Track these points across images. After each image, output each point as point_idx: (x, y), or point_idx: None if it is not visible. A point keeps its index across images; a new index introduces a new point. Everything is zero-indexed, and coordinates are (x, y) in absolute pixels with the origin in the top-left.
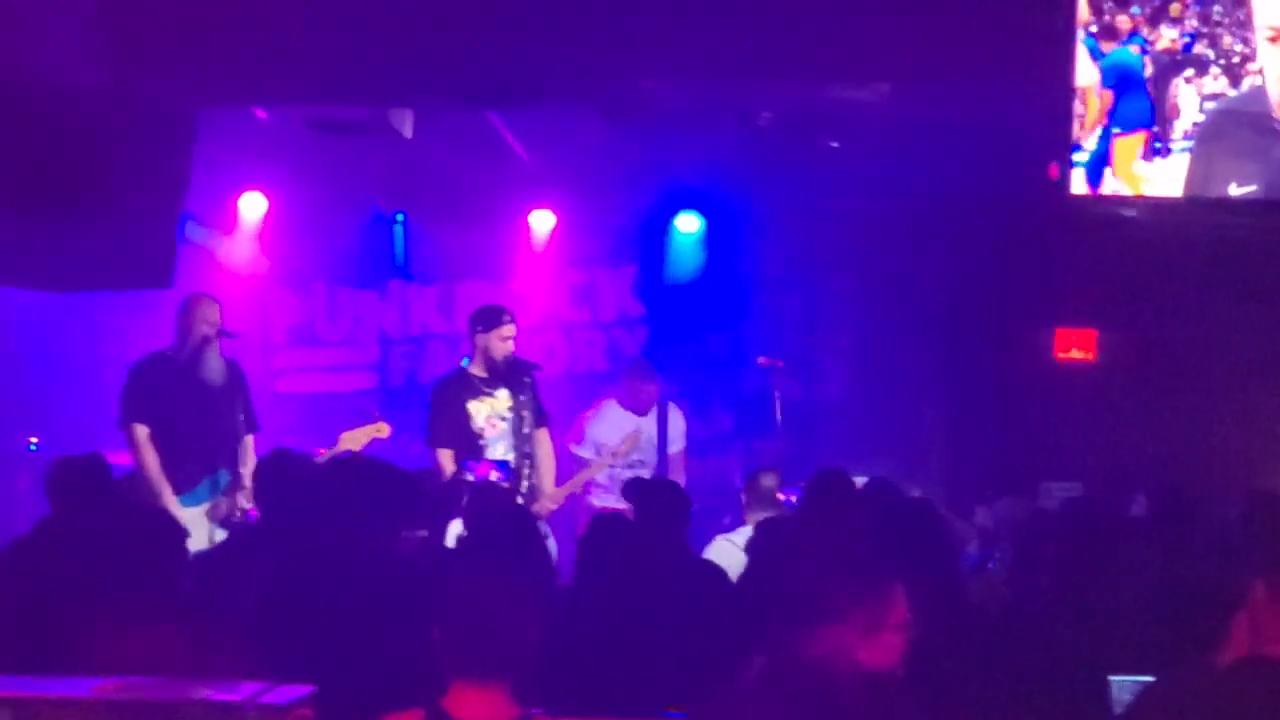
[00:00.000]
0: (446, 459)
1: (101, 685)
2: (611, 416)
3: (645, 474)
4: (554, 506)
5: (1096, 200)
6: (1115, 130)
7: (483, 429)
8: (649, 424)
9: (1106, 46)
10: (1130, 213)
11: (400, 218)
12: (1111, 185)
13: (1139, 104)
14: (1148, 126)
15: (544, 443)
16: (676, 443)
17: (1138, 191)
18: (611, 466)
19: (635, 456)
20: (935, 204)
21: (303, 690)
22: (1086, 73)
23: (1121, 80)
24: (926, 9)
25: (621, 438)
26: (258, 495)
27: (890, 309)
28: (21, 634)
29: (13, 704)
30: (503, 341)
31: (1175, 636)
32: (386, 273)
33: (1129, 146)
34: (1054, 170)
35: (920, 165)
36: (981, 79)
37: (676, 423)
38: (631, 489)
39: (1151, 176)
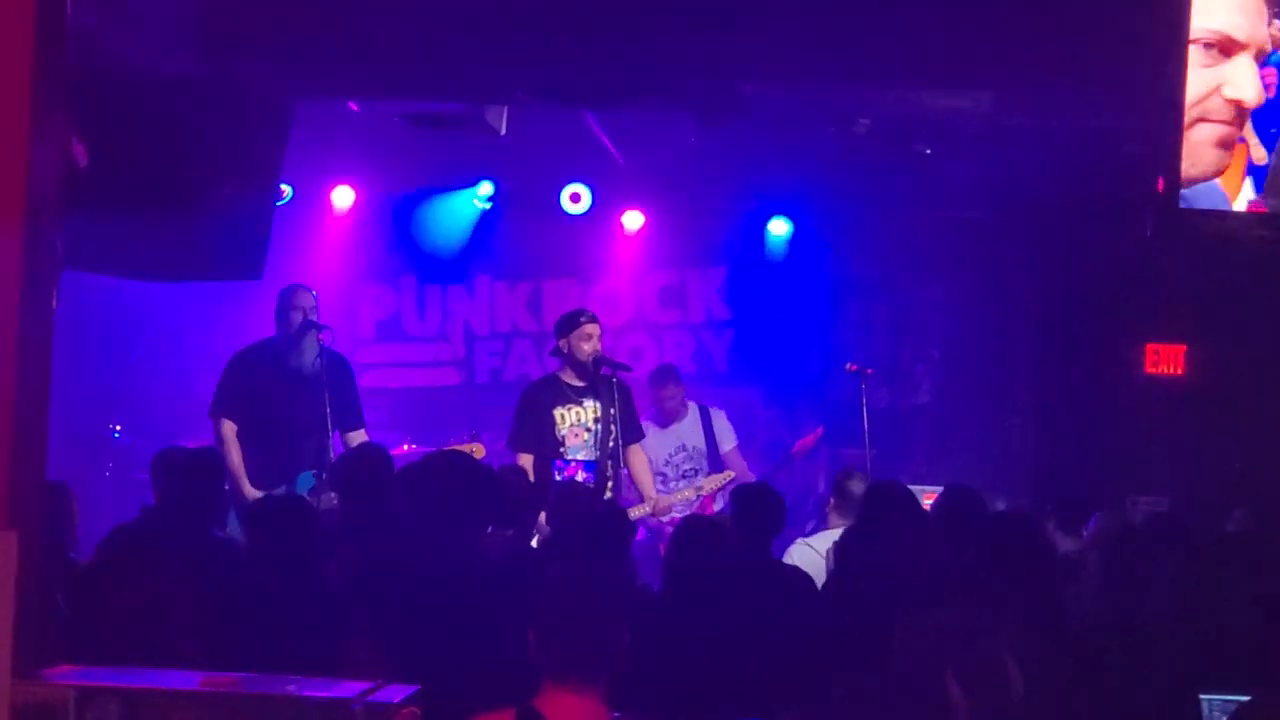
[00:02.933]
0: (526, 463)
1: (210, 678)
2: (649, 436)
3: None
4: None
5: (1205, 215)
6: None
7: (565, 436)
8: (689, 432)
9: None
10: (1233, 227)
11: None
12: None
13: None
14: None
15: (637, 456)
16: (727, 441)
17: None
18: (666, 479)
19: (687, 466)
20: (1030, 214)
21: (410, 688)
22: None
23: None
24: (1032, 17)
25: (670, 451)
26: (340, 489)
27: (981, 318)
28: (136, 624)
29: (122, 694)
30: (586, 341)
31: (1267, 655)
32: (475, 269)
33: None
34: (1161, 184)
35: (1017, 175)
36: (1087, 89)
37: (720, 422)
38: (738, 497)
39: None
